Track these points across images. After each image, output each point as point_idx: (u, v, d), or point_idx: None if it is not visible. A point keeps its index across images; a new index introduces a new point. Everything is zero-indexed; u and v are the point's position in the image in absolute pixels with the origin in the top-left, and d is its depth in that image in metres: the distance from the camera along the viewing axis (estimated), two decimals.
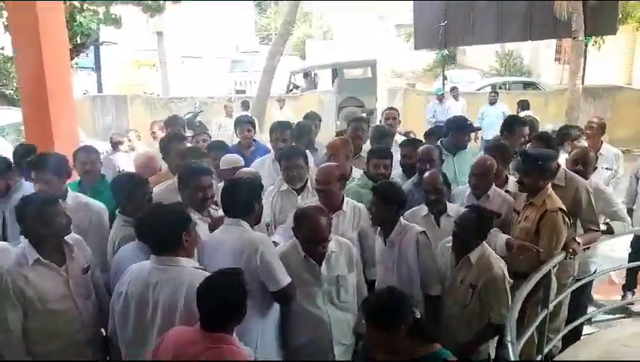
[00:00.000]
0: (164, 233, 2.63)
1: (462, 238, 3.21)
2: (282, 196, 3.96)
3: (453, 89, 12.16)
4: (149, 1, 10.60)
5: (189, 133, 12.19)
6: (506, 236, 3.53)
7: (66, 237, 2.93)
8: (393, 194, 3.40)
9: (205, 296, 2.29)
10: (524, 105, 10.31)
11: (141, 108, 13.95)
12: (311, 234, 2.95)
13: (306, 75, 17.40)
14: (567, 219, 3.52)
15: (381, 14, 36.24)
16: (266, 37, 44.66)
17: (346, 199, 3.66)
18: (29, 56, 5.12)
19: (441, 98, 11.29)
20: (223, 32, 35.43)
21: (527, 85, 16.53)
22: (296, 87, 17.05)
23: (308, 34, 40.44)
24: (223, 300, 2.26)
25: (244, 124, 5.60)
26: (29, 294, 2.77)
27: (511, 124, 4.75)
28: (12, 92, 11.38)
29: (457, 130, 4.70)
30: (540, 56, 22.03)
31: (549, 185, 3.60)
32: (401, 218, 3.41)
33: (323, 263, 3.02)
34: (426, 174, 3.73)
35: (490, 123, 10.02)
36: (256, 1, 45.64)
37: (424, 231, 3.37)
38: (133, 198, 3.32)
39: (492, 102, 10.76)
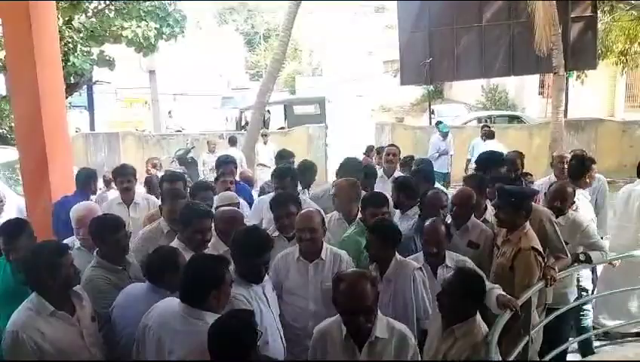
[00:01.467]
0: (195, 287, 2.60)
1: (447, 307, 2.88)
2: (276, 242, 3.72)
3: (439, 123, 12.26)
4: (143, 42, 10.84)
5: (179, 169, 12.34)
6: (496, 292, 3.27)
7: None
8: (389, 232, 3.39)
9: (215, 338, 2.29)
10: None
11: (133, 145, 14.09)
12: (351, 302, 2.55)
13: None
14: (539, 258, 3.59)
15: (369, 50, 37.04)
16: (256, 74, 45.36)
17: (325, 246, 3.47)
18: (25, 94, 5.21)
19: (445, 135, 11.40)
20: (213, 69, 35.97)
21: (512, 118, 16.89)
22: (247, 123, 17.19)
23: (297, 70, 41.19)
24: (234, 341, 2.25)
25: (227, 165, 5.49)
26: (46, 348, 2.63)
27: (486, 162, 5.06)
28: (5, 131, 11.51)
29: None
30: (524, 90, 22.55)
31: (527, 222, 3.68)
32: (397, 254, 3.40)
33: (365, 348, 2.59)
34: (427, 224, 3.55)
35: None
36: (246, 39, 46.50)
37: (421, 267, 3.39)
38: (105, 242, 3.32)
39: (487, 137, 10.79)
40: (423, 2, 13.22)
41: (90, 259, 3.44)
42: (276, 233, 3.77)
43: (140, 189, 5.64)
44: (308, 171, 5.27)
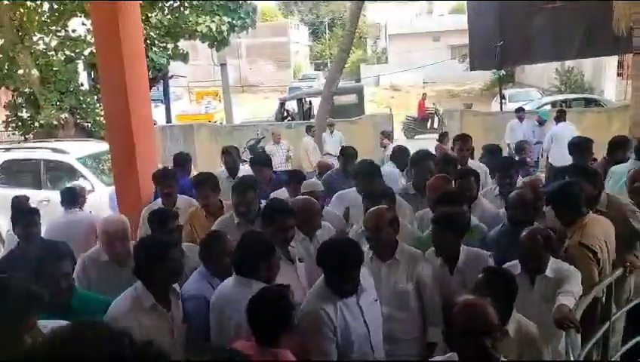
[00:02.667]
0: (246, 259, 2.86)
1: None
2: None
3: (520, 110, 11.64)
4: (217, 36, 11.25)
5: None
6: (558, 301, 2.91)
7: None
8: (453, 220, 3.29)
9: (253, 312, 2.43)
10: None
11: (207, 136, 14.64)
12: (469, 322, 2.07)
13: (299, 101, 17.67)
14: (589, 253, 3.40)
15: (435, 36, 36.44)
16: (322, 63, 45.64)
17: (400, 245, 3.29)
18: (114, 90, 5.57)
19: (542, 122, 11.13)
20: (280, 59, 36.54)
21: (589, 102, 16.18)
22: (289, 114, 17.58)
23: (363, 58, 41.04)
24: (271, 315, 2.38)
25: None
26: (138, 339, 2.73)
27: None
28: (89, 125, 12.27)
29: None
30: (601, 72, 21.48)
31: (586, 217, 3.54)
32: (462, 245, 3.31)
33: None
34: (525, 233, 3.12)
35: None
36: (311, 29, 46.79)
37: (491, 254, 3.32)
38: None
39: (558, 120, 10.45)
40: None
41: (121, 274, 3.39)
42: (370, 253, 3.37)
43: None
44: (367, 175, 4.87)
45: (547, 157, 10.16)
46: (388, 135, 11.48)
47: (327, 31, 46.54)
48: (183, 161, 6.25)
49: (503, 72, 19.78)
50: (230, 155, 5.91)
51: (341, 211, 4.54)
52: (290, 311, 2.46)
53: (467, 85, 31.95)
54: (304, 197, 4.04)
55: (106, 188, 8.43)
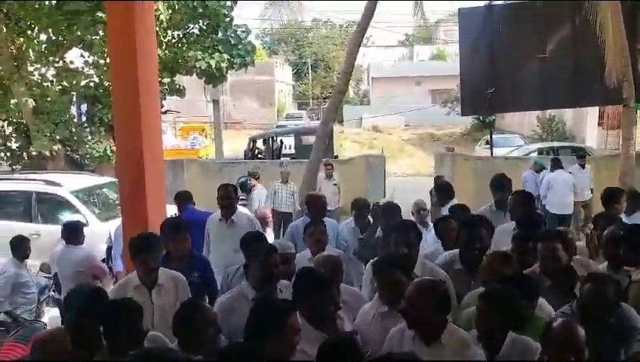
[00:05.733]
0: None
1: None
2: (383, 319, 3.12)
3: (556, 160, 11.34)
4: (216, 72, 11.21)
5: (242, 196, 12.48)
6: None
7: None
8: (511, 303, 2.74)
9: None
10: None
11: (197, 172, 14.44)
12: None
13: (265, 141, 17.61)
14: None
15: (416, 80, 37.24)
16: (304, 103, 46.13)
17: (449, 327, 2.78)
18: (128, 122, 5.49)
19: (539, 169, 11.25)
20: (265, 98, 36.75)
21: (575, 150, 16.51)
22: (260, 152, 17.44)
23: (345, 99, 41.63)
24: None
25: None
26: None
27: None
28: (79, 157, 12.00)
29: None
30: (582, 121, 22.10)
31: None
32: (510, 332, 2.76)
33: None
34: (559, 326, 2.52)
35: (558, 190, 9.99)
36: (294, 69, 47.42)
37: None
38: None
39: (556, 167, 10.66)
40: (485, 32, 13.20)
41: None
42: (385, 308, 3.14)
43: None
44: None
45: (543, 205, 10.25)
46: (255, 175, 11.17)
47: (310, 71, 47.19)
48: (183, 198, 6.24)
49: (490, 117, 20.14)
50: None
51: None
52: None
53: (448, 129, 32.50)
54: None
55: (99, 223, 8.20)
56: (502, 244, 4.08)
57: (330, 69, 45.91)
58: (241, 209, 6.01)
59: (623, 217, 5.83)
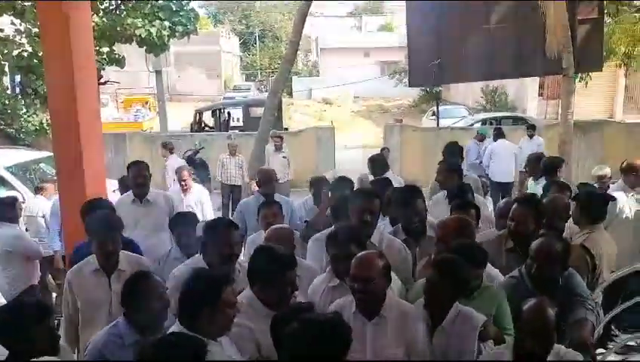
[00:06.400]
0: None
1: None
2: (333, 292, 3.05)
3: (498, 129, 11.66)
4: (157, 41, 10.77)
5: (185, 166, 12.17)
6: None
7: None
8: (460, 272, 2.73)
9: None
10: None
11: (140, 145, 14.00)
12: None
13: (212, 113, 17.21)
14: (587, 256, 3.72)
15: (366, 52, 37.19)
16: (252, 74, 45.34)
17: (389, 299, 2.75)
18: (61, 92, 5.20)
19: (481, 138, 11.47)
20: (210, 69, 35.87)
21: (516, 120, 16.98)
22: (207, 125, 17.02)
23: (294, 71, 41.16)
24: None
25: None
26: None
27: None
28: (14, 131, 11.39)
29: None
30: (524, 91, 22.72)
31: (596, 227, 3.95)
32: (457, 302, 2.75)
33: None
34: (529, 307, 2.51)
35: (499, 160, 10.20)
36: (241, 39, 46.43)
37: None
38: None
39: (498, 137, 10.97)
40: (432, 4, 13.23)
41: None
42: (336, 281, 3.09)
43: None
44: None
45: (486, 173, 10.50)
46: (168, 146, 10.57)
47: (257, 42, 46.33)
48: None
49: (436, 89, 20.40)
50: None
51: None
52: None
53: (396, 101, 32.76)
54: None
55: (35, 199, 7.85)
56: (439, 214, 4.19)
57: (278, 39, 45.19)
58: (156, 188, 5.68)
59: (531, 183, 6.10)
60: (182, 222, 4.23)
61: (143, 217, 4.87)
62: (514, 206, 3.62)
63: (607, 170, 6.02)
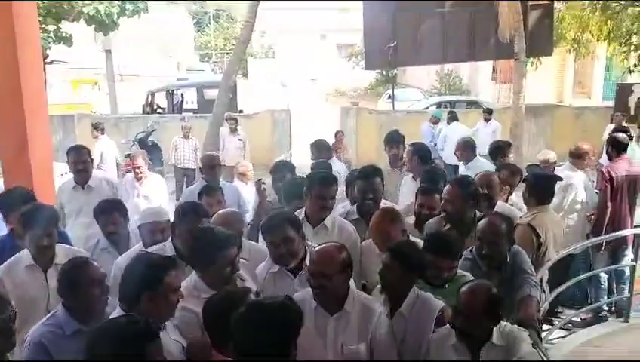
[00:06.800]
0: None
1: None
2: (275, 279, 3.01)
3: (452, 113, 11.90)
4: (105, 19, 10.39)
5: (140, 152, 11.85)
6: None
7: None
8: (416, 257, 2.73)
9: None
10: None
11: (89, 127, 13.52)
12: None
13: (168, 94, 16.66)
14: (534, 235, 3.89)
15: (322, 34, 36.99)
16: (206, 55, 44.43)
17: (352, 293, 2.66)
18: (5, 72, 4.96)
19: (436, 121, 11.56)
20: (163, 49, 34.96)
21: (470, 104, 17.28)
22: (159, 107, 16.46)
23: (249, 52, 40.56)
24: None
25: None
26: None
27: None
28: None
29: None
30: (478, 75, 23.12)
31: (545, 206, 4.09)
32: (415, 287, 2.73)
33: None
34: (466, 291, 2.48)
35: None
36: (195, 19, 45.39)
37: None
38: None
39: (452, 120, 11.15)
40: None
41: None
42: (276, 267, 3.03)
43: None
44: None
45: (440, 156, 10.66)
46: (99, 127, 10.37)
47: (212, 22, 45.39)
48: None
49: (390, 72, 20.50)
50: None
51: None
52: None
53: (353, 84, 32.80)
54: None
55: None
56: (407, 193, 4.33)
57: (232, 19, 44.36)
58: (97, 172, 5.41)
59: (461, 166, 6.21)
60: (107, 209, 3.88)
61: (86, 204, 4.60)
62: (446, 187, 3.69)
63: (550, 155, 6.18)
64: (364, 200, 3.84)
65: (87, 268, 2.62)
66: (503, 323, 2.50)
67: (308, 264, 2.64)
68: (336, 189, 3.72)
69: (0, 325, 2.24)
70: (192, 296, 2.58)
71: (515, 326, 2.54)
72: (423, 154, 5.10)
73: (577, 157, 5.61)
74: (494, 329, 2.45)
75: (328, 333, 2.58)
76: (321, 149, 5.98)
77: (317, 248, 2.67)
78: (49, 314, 2.66)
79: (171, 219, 3.41)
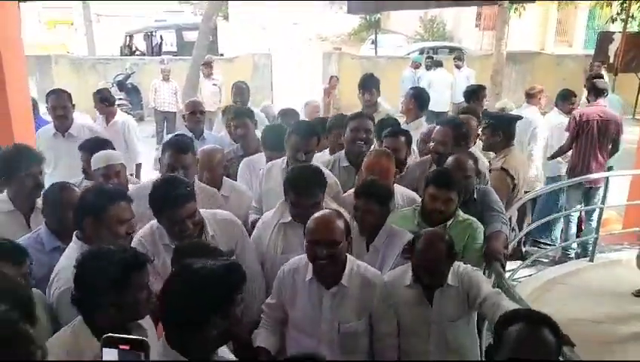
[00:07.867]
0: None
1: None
2: (285, 229, 2.90)
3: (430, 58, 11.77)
4: None
5: (119, 96, 11.69)
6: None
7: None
8: (388, 195, 2.88)
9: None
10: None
11: (67, 69, 13.28)
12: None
13: (147, 36, 16.24)
14: (508, 177, 4.04)
15: None
16: None
17: (350, 265, 2.43)
18: None
19: (417, 66, 11.50)
20: None
21: (453, 50, 17.18)
22: (137, 50, 16.05)
23: None
24: None
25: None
26: None
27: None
28: None
29: None
30: (461, 22, 22.88)
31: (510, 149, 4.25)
32: (387, 222, 2.84)
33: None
34: (424, 240, 2.48)
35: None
36: None
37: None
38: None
39: (435, 66, 11.12)
40: None
41: None
42: (289, 217, 2.88)
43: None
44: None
45: None
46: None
47: None
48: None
49: (375, 17, 20.18)
50: None
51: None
52: None
53: (336, 29, 32.24)
54: None
55: None
56: None
57: None
58: (79, 118, 5.08)
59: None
60: (96, 149, 3.48)
61: (67, 153, 4.31)
62: (435, 128, 3.78)
63: (508, 103, 6.62)
64: (354, 142, 3.67)
65: (67, 192, 2.79)
66: (456, 263, 2.52)
67: (306, 234, 2.39)
68: (316, 142, 3.50)
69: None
70: (147, 241, 2.66)
71: (469, 266, 2.58)
72: (421, 100, 5.15)
73: (531, 97, 6.24)
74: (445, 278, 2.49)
75: (324, 309, 2.40)
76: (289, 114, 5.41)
77: (317, 216, 2.41)
78: (32, 231, 2.83)
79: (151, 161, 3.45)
